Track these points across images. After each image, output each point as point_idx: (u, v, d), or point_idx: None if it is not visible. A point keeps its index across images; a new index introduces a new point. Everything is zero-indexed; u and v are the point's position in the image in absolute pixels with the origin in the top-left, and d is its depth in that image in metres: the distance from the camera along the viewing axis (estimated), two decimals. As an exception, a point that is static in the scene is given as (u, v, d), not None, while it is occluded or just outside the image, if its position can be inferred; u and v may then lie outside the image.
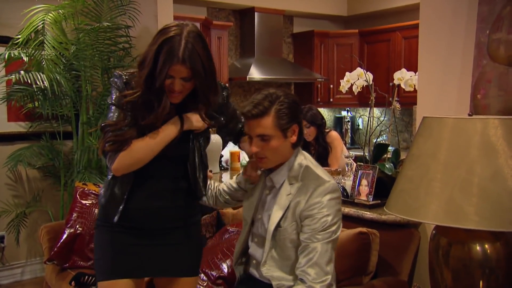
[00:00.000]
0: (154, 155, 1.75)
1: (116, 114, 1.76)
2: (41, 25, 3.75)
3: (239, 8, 5.80)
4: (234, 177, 2.16)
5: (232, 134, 2.12)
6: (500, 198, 1.54)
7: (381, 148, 2.85)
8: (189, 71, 1.68)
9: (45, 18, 3.75)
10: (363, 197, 2.66)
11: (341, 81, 3.24)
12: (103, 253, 1.86)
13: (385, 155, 2.89)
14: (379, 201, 2.61)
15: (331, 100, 6.16)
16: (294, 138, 1.86)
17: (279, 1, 5.82)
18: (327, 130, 4.06)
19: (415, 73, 2.95)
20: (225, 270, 2.39)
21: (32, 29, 3.74)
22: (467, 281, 1.73)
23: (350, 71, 3.23)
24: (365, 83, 3.11)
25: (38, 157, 4.07)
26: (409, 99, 3.75)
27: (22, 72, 3.70)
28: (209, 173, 2.75)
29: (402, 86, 3.06)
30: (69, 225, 2.97)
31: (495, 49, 2.24)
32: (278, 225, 1.85)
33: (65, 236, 2.94)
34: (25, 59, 3.70)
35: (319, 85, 6.12)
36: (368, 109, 3.01)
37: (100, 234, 1.89)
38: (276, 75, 5.62)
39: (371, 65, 5.43)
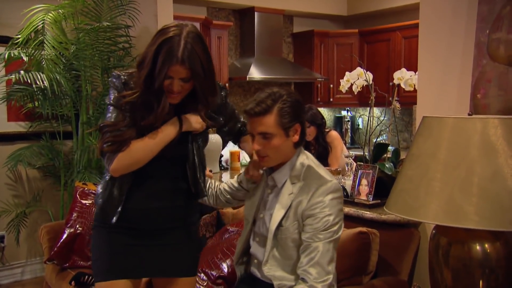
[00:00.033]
0: (153, 156, 1.75)
1: (114, 114, 1.75)
2: (41, 25, 3.75)
3: (239, 8, 5.80)
4: (236, 176, 2.16)
5: (231, 134, 2.12)
6: (500, 197, 1.54)
7: (381, 148, 2.85)
8: (188, 72, 1.68)
9: (45, 18, 3.75)
10: (363, 197, 2.66)
11: (341, 80, 3.23)
12: (100, 253, 1.85)
13: (385, 155, 2.89)
14: (379, 201, 2.61)
15: (331, 99, 6.16)
16: (296, 138, 1.86)
17: (279, 1, 5.82)
18: (327, 130, 4.06)
19: (415, 72, 2.95)
20: (225, 270, 2.39)
21: (32, 29, 3.74)
22: (467, 280, 1.73)
23: (350, 71, 3.23)
24: (365, 83, 3.11)
25: (38, 157, 4.07)
26: (409, 99, 3.75)
27: (22, 72, 3.70)
28: (208, 173, 2.76)
29: (402, 85, 3.06)
30: (69, 225, 2.97)
31: (495, 49, 2.24)
32: (279, 224, 1.85)
33: (65, 236, 2.94)
34: (25, 59, 3.70)
35: (319, 85, 6.12)
36: (368, 108, 3.01)
37: (97, 234, 1.88)
38: (276, 75, 5.62)
39: (371, 64, 5.43)
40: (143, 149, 1.73)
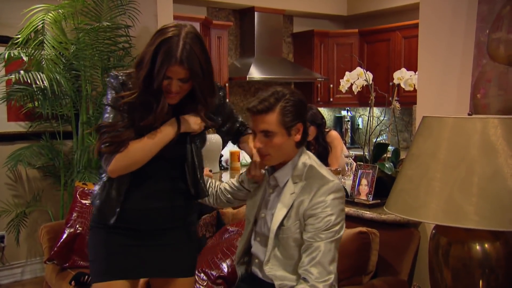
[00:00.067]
0: (151, 157, 1.74)
1: (112, 115, 1.74)
2: (41, 25, 3.75)
3: (239, 7, 5.80)
4: (237, 176, 2.16)
5: (230, 134, 2.11)
6: (499, 197, 1.54)
7: (381, 148, 2.85)
8: (186, 72, 1.68)
9: (44, 17, 3.75)
10: (363, 197, 2.66)
11: (341, 80, 3.23)
12: (98, 254, 1.84)
13: (385, 155, 2.89)
14: (379, 201, 2.61)
15: (331, 99, 6.16)
16: (298, 137, 1.86)
17: (279, 0, 5.82)
18: (327, 130, 4.06)
19: (415, 72, 2.95)
20: (225, 270, 2.39)
21: (32, 28, 3.74)
22: (467, 280, 1.73)
23: (350, 71, 3.23)
24: (365, 83, 3.11)
25: (38, 157, 4.07)
26: (409, 99, 3.75)
27: (22, 71, 3.70)
28: (208, 173, 2.76)
29: (402, 85, 3.06)
30: (69, 224, 2.98)
31: (495, 49, 2.24)
32: (281, 224, 1.85)
33: (65, 235, 2.94)
34: (25, 58, 3.71)
35: (319, 85, 6.12)
36: (368, 108, 3.01)
37: (94, 235, 1.87)
38: (276, 74, 5.62)
39: (371, 64, 5.43)
40: (141, 150, 1.72)
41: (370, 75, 3.10)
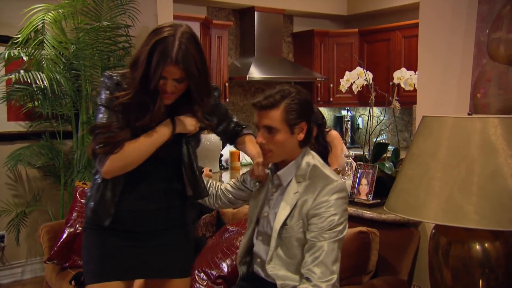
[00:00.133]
0: (145, 158, 1.73)
1: (106, 115, 1.72)
2: (41, 25, 3.75)
3: (239, 7, 5.80)
4: (238, 176, 2.16)
5: (225, 134, 2.11)
6: (499, 197, 1.54)
7: (381, 148, 2.85)
8: (182, 72, 1.67)
9: (44, 17, 3.75)
10: (363, 196, 2.66)
11: (341, 80, 3.23)
12: (92, 255, 1.82)
13: (385, 155, 2.89)
14: (379, 200, 2.62)
15: (331, 99, 6.16)
16: (301, 136, 1.86)
17: (279, 0, 5.82)
18: (327, 130, 4.06)
19: (415, 72, 2.95)
20: (225, 270, 2.39)
21: (32, 28, 3.74)
22: (467, 280, 1.73)
23: (350, 71, 3.23)
24: (365, 83, 3.11)
25: (38, 156, 4.07)
26: (409, 98, 3.75)
27: (22, 71, 3.70)
28: (208, 172, 2.75)
29: (402, 85, 3.06)
30: (69, 224, 2.98)
31: (495, 48, 2.24)
32: (284, 223, 1.85)
33: (65, 235, 2.94)
34: (25, 58, 3.71)
35: (319, 85, 6.12)
36: (368, 108, 3.01)
37: (88, 236, 1.84)
38: (276, 74, 5.61)
39: (371, 64, 5.43)
40: (136, 150, 1.71)
41: (370, 75, 3.10)
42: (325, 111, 6.40)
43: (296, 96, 1.84)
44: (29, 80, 3.66)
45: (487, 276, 1.71)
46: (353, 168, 2.84)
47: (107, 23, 3.87)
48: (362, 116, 6.40)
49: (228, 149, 4.34)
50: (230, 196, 2.14)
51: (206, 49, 5.14)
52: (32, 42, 3.76)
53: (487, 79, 2.26)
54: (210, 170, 2.80)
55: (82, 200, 3.05)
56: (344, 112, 6.54)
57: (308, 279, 1.76)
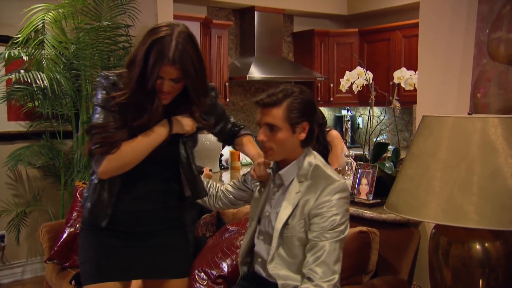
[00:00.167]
0: (142, 159, 1.72)
1: (103, 116, 1.71)
2: (41, 24, 3.75)
3: (239, 7, 5.80)
4: (239, 176, 2.16)
5: (222, 135, 2.10)
6: (500, 196, 1.54)
7: (381, 147, 2.85)
8: (179, 72, 1.66)
9: (45, 17, 3.75)
10: (363, 196, 2.66)
11: (341, 80, 3.23)
12: (89, 256, 1.82)
13: (385, 154, 2.89)
14: (379, 200, 2.61)
15: (331, 99, 6.16)
16: (302, 136, 1.86)
17: (279, 0, 5.82)
18: (327, 129, 4.06)
19: (415, 72, 2.95)
20: (225, 269, 2.39)
21: (32, 28, 3.74)
22: (467, 280, 1.73)
23: (350, 70, 3.23)
24: (365, 82, 3.10)
25: (38, 156, 4.07)
26: (409, 98, 3.75)
27: (22, 71, 3.70)
28: (208, 172, 2.75)
29: (402, 85, 3.06)
30: (69, 224, 2.98)
31: (495, 48, 2.24)
32: (286, 223, 1.85)
33: (65, 235, 2.94)
34: (25, 58, 3.71)
35: (319, 84, 6.12)
36: (368, 108, 3.01)
37: (85, 237, 1.84)
38: (276, 74, 5.62)
39: (371, 64, 5.43)
40: (133, 151, 1.70)
41: (370, 75, 3.10)
42: (325, 111, 6.40)
43: (299, 96, 1.84)
44: (29, 80, 3.66)
45: (487, 276, 1.71)
46: (353, 168, 2.84)
47: (107, 23, 3.87)
48: (362, 115, 6.40)
49: (228, 149, 4.33)
50: (231, 196, 2.14)
51: (206, 49, 5.14)
52: (32, 42, 3.76)
53: (487, 79, 2.26)
54: (210, 170, 2.80)
55: (82, 200, 3.05)
56: (344, 112, 6.54)
57: (309, 279, 1.76)
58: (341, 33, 6.23)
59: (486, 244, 1.72)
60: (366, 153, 2.93)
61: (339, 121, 6.48)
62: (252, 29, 5.74)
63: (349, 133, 6.30)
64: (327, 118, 5.18)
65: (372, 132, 2.94)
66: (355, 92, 3.31)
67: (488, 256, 1.71)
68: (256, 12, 5.70)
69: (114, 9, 4.00)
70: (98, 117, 1.72)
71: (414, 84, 2.98)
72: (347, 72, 3.23)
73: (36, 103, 3.93)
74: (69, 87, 3.85)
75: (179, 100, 1.76)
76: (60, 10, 3.83)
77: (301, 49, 6.33)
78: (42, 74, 3.67)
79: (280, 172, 1.91)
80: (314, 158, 1.92)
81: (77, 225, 2.94)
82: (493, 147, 1.57)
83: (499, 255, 1.71)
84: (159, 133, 1.74)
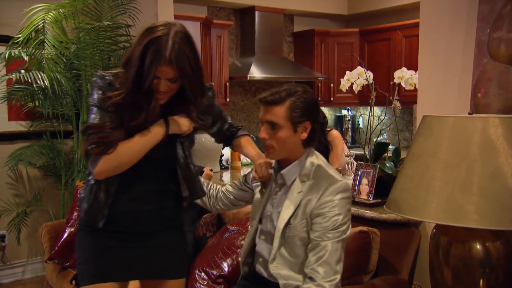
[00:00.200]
0: (139, 159, 1.71)
1: (99, 116, 1.70)
2: (42, 24, 3.76)
3: (240, 7, 5.80)
4: (239, 175, 2.16)
5: (219, 135, 2.09)
6: (500, 196, 1.54)
7: (381, 147, 2.85)
8: (175, 72, 1.65)
9: (45, 17, 3.75)
10: (363, 196, 2.66)
11: (341, 80, 3.23)
12: (86, 256, 1.81)
13: (386, 154, 2.89)
14: (380, 200, 2.61)
15: (332, 99, 6.16)
16: (304, 135, 1.86)
17: (280, 0, 5.82)
18: (328, 129, 4.06)
19: (416, 72, 2.95)
20: (226, 269, 2.39)
21: (32, 28, 3.75)
22: (467, 279, 1.73)
23: (351, 70, 3.23)
24: (366, 82, 3.10)
25: (38, 156, 4.08)
26: (409, 98, 3.75)
27: (22, 71, 3.70)
28: (209, 172, 2.75)
29: (403, 85, 3.06)
30: (69, 224, 2.98)
31: (496, 48, 2.24)
32: (288, 222, 1.85)
33: (65, 235, 2.94)
34: (26, 58, 3.71)
35: (319, 84, 6.12)
36: (369, 108, 3.01)
37: (82, 238, 1.83)
38: (276, 74, 5.61)
39: (371, 64, 5.43)
40: (129, 151, 1.69)
41: (370, 75, 3.10)
42: (325, 111, 6.39)
43: (302, 95, 1.84)
44: (29, 80, 3.66)
45: (487, 276, 1.71)
46: (354, 168, 2.84)
47: (108, 22, 3.87)
48: (362, 115, 6.40)
49: (228, 149, 4.33)
50: (232, 197, 2.14)
51: (206, 48, 5.14)
52: (32, 42, 3.77)
53: (487, 78, 2.26)
54: (211, 170, 2.80)
55: (82, 200, 3.06)
56: (344, 112, 6.54)
57: (311, 279, 1.76)
58: (342, 33, 6.23)
59: (487, 244, 1.72)
60: (367, 153, 2.93)
61: (339, 121, 6.48)
62: (253, 29, 5.74)
63: (350, 133, 6.30)
64: (327, 118, 5.18)
65: (373, 132, 2.94)
66: (356, 92, 3.31)
67: (489, 256, 1.71)
68: (256, 12, 5.70)
69: (115, 9, 4.01)
70: (94, 117, 1.71)
71: (415, 84, 2.98)
72: (347, 72, 3.22)
73: (37, 103, 3.93)
74: (70, 87, 3.85)
75: (176, 100, 1.75)
76: (60, 10, 3.83)
77: (301, 49, 6.33)
78: (42, 74, 3.68)
79: (282, 171, 1.91)
80: (316, 158, 1.92)
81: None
82: (494, 147, 1.57)
83: (499, 255, 1.71)
84: (155, 133, 1.73)
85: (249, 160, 4.50)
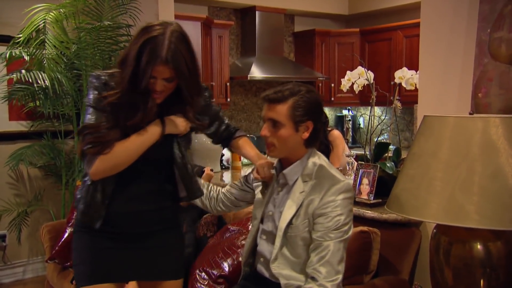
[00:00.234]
0: (135, 159, 1.70)
1: (94, 116, 1.69)
2: (42, 24, 3.76)
3: (240, 7, 5.80)
4: (240, 175, 2.16)
5: (216, 136, 2.08)
6: (500, 196, 1.54)
7: (382, 147, 2.85)
8: (172, 72, 1.64)
9: (46, 17, 3.75)
10: (364, 196, 2.66)
11: (342, 80, 3.23)
12: (83, 257, 1.80)
13: (386, 154, 2.89)
14: (380, 200, 2.61)
15: (332, 99, 6.16)
16: (306, 135, 1.86)
17: (280, 0, 5.82)
18: (329, 129, 4.06)
19: (416, 72, 2.95)
20: (226, 269, 2.39)
21: (33, 28, 3.75)
22: (468, 280, 1.73)
23: (351, 70, 3.22)
24: (366, 82, 3.10)
25: (39, 156, 4.08)
26: (410, 98, 3.75)
27: (23, 71, 3.70)
28: (210, 172, 2.74)
29: (403, 85, 3.05)
30: (70, 224, 2.98)
31: (496, 48, 2.24)
32: (290, 222, 1.85)
33: (66, 235, 2.95)
34: (26, 58, 3.71)
35: (320, 84, 6.12)
36: (369, 108, 3.00)
37: (79, 239, 1.82)
38: (277, 74, 5.62)
39: (372, 64, 5.43)
40: (126, 150, 1.68)
41: (371, 74, 3.10)
42: (326, 111, 6.36)
43: (305, 95, 1.85)
44: (30, 80, 3.66)
45: (488, 276, 1.71)
46: (355, 168, 2.84)
47: (109, 22, 3.88)
48: (363, 115, 6.39)
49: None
50: (233, 198, 2.13)
51: (207, 48, 5.14)
52: (33, 42, 3.77)
53: (488, 78, 2.26)
54: (212, 170, 2.80)
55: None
56: (345, 112, 6.54)
57: (313, 279, 1.76)
58: (342, 33, 6.23)
59: (487, 244, 1.72)
60: (367, 153, 2.92)
61: (340, 121, 6.48)
62: (253, 29, 5.74)
63: (350, 133, 6.30)
64: (328, 118, 5.18)
65: (373, 132, 2.94)
66: (356, 92, 3.31)
67: (489, 256, 1.71)
68: (257, 12, 5.70)
69: (115, 9, 4.01)
70: (90, 117, 1.70)
71: (415, 84, 2.98)
72: (348, 72, 3.22)
73: (38, 103, 3.94)
74: (70, 87, 3.85)
75: (173, 99, 1.75)
76: (61, 10, 3.83)
77: (302, 49, 6.33)
78: (43, 74, 3.68)
79: (284, 171, 1.91)
80: (318, 159, 1.92)
81: (78, 225, 2.95)
82: (494, 147, 1.57)
83: (500, 255, 1.71)
84: (152, 132, 1.72)
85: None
